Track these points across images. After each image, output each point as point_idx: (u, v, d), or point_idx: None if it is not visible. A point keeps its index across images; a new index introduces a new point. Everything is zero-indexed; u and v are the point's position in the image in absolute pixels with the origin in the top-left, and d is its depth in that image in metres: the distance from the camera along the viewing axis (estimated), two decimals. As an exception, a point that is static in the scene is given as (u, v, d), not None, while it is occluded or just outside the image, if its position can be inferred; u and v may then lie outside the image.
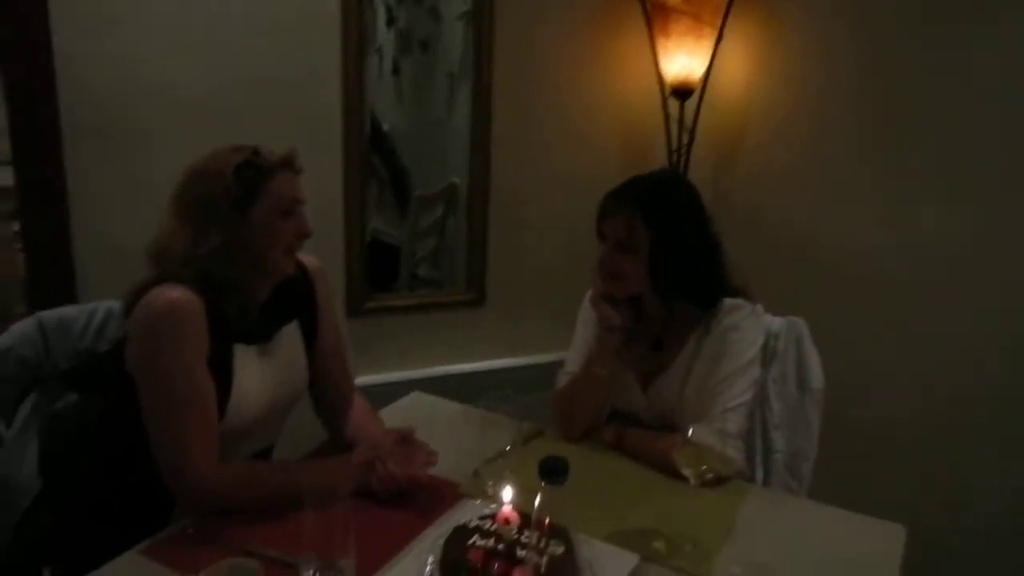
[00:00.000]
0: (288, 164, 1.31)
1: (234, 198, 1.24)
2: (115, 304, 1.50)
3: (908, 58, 2.20)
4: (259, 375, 1.32)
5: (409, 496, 1.28)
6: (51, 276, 1.96)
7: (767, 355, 1.64)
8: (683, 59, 2.41)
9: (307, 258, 1.43)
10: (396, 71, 2.60)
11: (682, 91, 2.46)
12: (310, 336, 1.46)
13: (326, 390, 1.51)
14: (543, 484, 1.03)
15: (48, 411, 1.39)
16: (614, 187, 1.53)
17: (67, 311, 1.48)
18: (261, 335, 1.34)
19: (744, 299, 1.53)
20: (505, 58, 2.45)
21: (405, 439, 1.33)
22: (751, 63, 2.58)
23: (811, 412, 1.66)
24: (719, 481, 1.32)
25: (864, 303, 2.34)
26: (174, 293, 1.20)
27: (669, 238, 1.47)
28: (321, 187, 2.23)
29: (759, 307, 1.56)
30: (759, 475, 1.67)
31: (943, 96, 2.13)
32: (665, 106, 2.52)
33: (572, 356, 1.67)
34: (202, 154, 1.30)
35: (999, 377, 2.08)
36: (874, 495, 1.55)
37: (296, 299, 1.42)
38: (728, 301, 1.52)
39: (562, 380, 1.66)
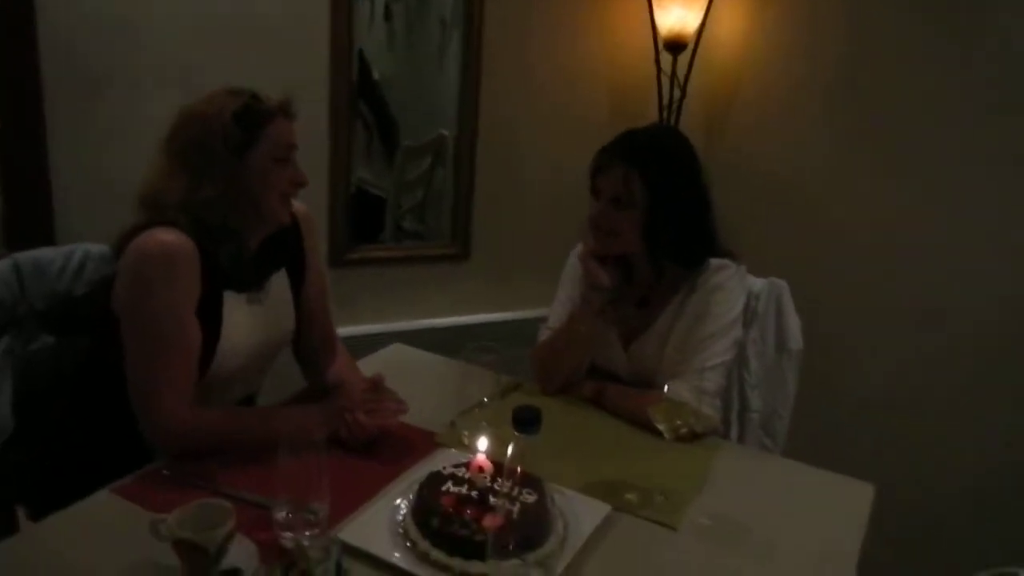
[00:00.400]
0: (285, 110, 1.28)
1: (233, 143, 1.22)
2: (93, 247, 1.48)
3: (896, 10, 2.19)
4: (248, 323, 1.32)
5: (383, 444, 1.28)
6: (30, 217, 1.93)
7: (748, 316, 1.65)
8: (678, 11, 2.37)
9: (295, 204, 1.41)
10: (388, 16, 2.53)
11: (675, 45, 2.42)
12: (297, 283, 1.45)
13: (310, 338, 1.50)
14: (516, 434, 1.04)
15: (23, 353, 1.39)
16: (608, 142, 1.50)
17: (44, 252, 1.46)
18: (252, 283, 1.33)
19: (730, 259, 1.53)
20: (497, 4, 2.39)
21: (375, 386, 1.33)
22: (746, 17, 2.53)
23: (788, 373, 1.68)
24: (694, 437, 1.33)
25: (850, 264, 2.34)
26: (168, 236, 1.19)
27: (666, 193, 1.45)
28: (306, 134, 2.17)
29: (743, 268, 1.56)
30: (734, 433, 1.69)
31: (929, 52, 2.12)
32: (658, 60, 2.48)
33: (555, 311, 1.66)
34: (197, 97, 1.26)
35: (976, 342, 2.10)
36: (848, 456, 1.57)
37: (286, 246, 1.41)
38: (714, 261, 1.51)
39: (543, 335, 1.66)
